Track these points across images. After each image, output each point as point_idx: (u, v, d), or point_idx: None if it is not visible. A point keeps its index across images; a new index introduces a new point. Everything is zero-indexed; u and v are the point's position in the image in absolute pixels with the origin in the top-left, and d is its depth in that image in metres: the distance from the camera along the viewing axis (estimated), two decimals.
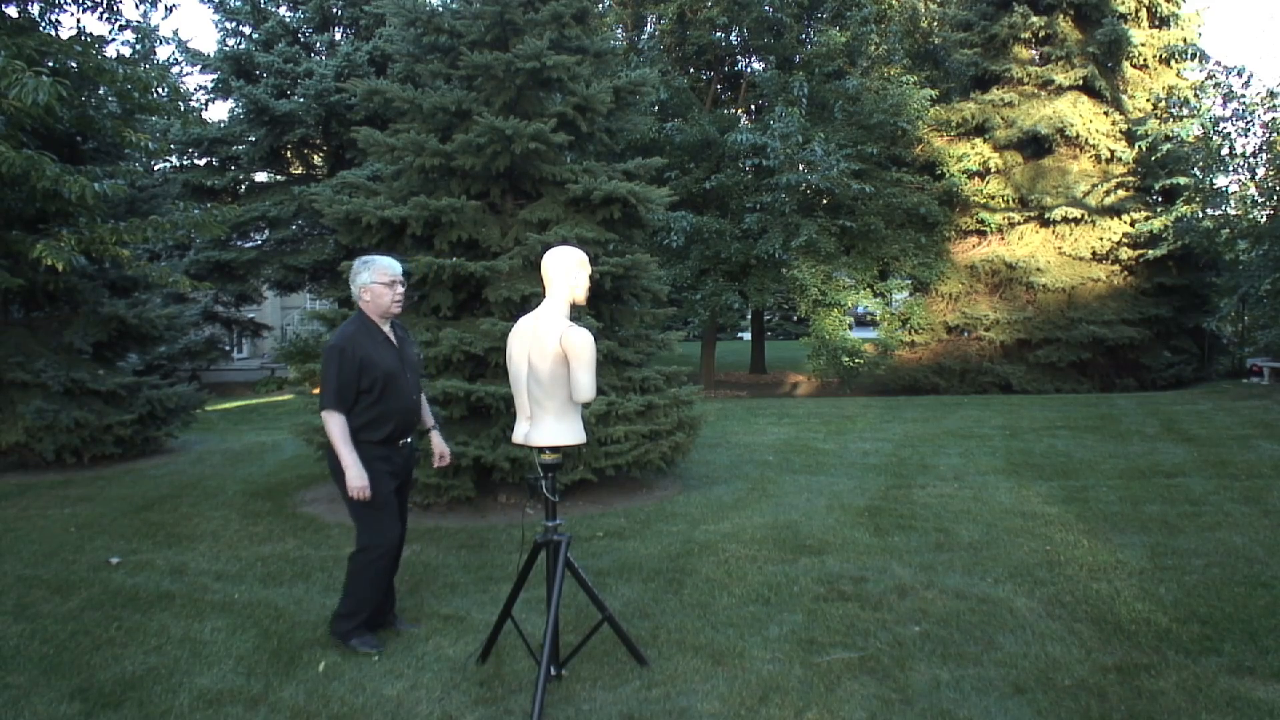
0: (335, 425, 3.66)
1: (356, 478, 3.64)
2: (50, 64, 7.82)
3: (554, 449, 3.37)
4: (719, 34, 18.60)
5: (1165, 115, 16.95)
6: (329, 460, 3.81)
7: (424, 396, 4.12)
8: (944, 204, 17.76)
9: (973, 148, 17.97)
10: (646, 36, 19.46)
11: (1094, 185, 17.12)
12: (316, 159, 19.68)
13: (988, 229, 17.98)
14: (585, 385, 3.26)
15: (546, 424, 3.34)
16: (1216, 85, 14.87)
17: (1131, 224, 16.76)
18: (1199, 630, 3.87)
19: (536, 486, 3.41)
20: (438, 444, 4.11)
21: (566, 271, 3.37)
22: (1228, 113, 14.80)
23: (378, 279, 3.74)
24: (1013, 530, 5.63)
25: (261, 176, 19.47)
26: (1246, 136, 14.88)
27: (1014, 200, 17.81)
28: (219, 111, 73.00)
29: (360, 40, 18.02)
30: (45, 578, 4.99)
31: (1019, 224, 17.74)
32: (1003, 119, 17.70)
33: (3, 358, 8.25)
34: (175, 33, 27.51)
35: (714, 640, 3.87)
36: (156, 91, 9.06)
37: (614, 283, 6.83)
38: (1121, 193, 17.02)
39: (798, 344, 25.93)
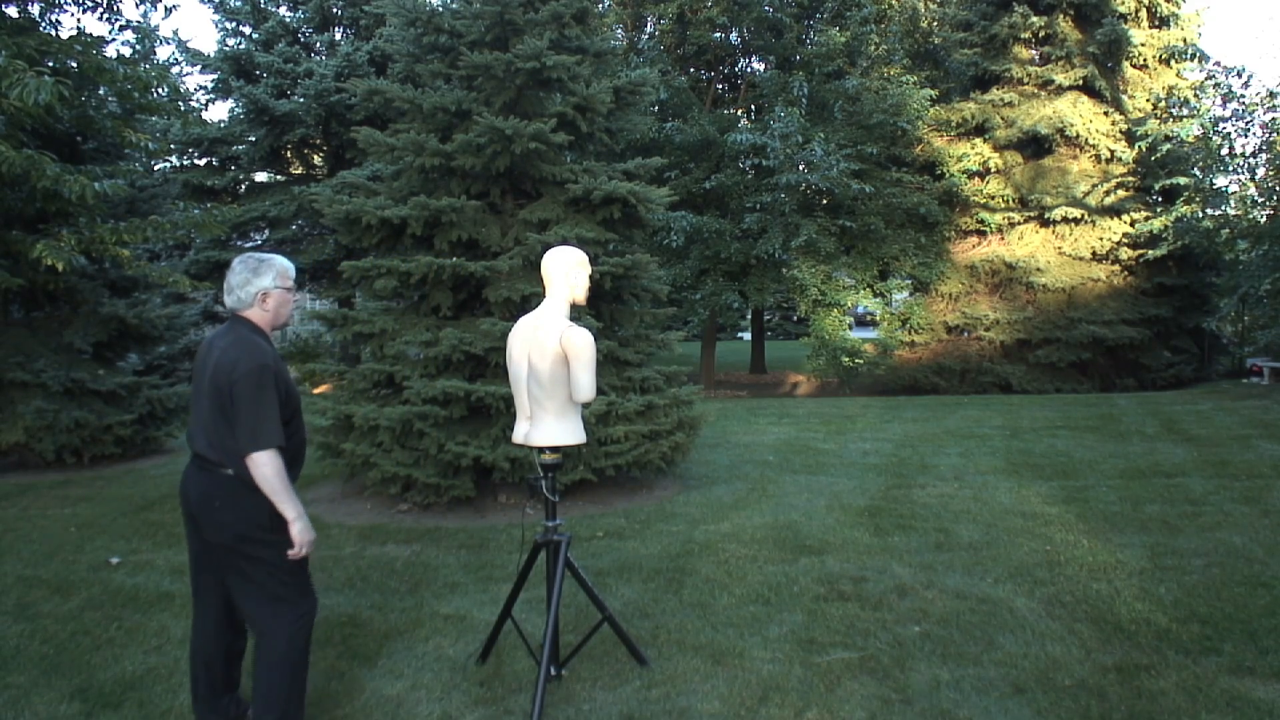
0: (277, 468, 2.84)
1: (306, 531, 2.91)
2: (50, 64, 7.82)
3: (554, 449, 3.37)
4: (719, 34, 18.60)
5: (1165, 115, 16.96)
6: (232, 514, 2.87)
7: None
8: (944, 204, 17.77)
9: (973, 148, 17.98)
10: (646, 36, 19.46)
11: (1094, 185, 17.12)
12: (316, 159, 19.67)
13: (988, 229, 17.99)
14: (585, 385, 3.26)
15: (546, 424, 3.34)
16: (1216, 85, 14.88)
17: (1131, 224, 16.77)
18: (1199, 630, 3.87)
19: (536, 486, 3.41)
20: None
21: (566, 271, 3.37)
22: (1228, 113, 14.81)
23: (282, 283, 3.02)
24: (1013, 530, 5.63)
25: (261, 176, 19.45)
26: (1246, 137, 14.90)
27: (1014, 200, 17.82)
28: (219, 111, 73.06)
29: (360, 40, 18.01)
30: (45, 578, 4.99)
31: (1019, 224, 17.75)
32: (1003, 119, 17.71)
33: (3, 358, 8.24)
34: (175, 33, 27.51)
35: (714, 640, 3.87)
36: (156, 91, 9.05)
37: (614, 283, 6.83)
38: (1121, 193, 17.03)
39: (798, 344, 25.94)
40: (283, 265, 3.05)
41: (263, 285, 2.99)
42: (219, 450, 2.87)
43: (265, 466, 2.82)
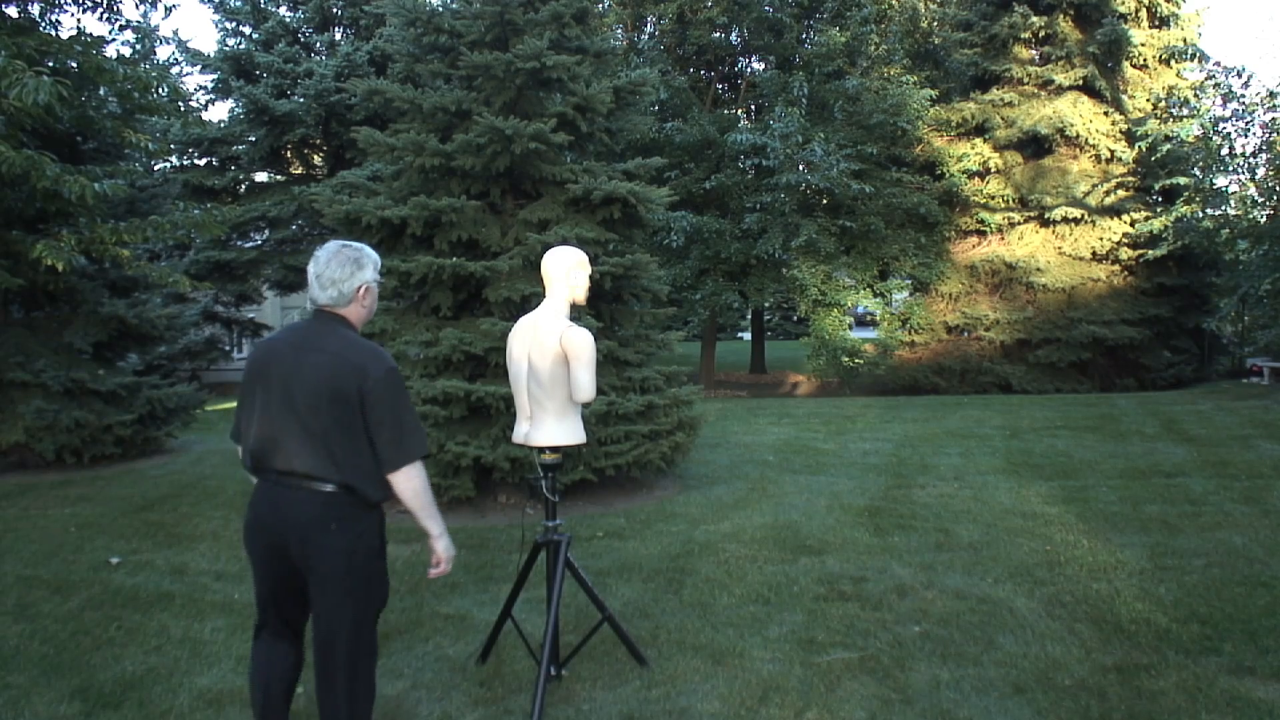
0: (425, 479, 2.63)
1: (450, 546, 2.72)
2: (50, 64, 7.81)
3: (554, 449, 3.37)
4: (719, 34, 18.62)
5: (1165, 115, 16.96)
6: (348, 537, 2.56)
7: None
8: (944, 204, 17.78)
9: (973, 148, 17.98)
10: (646, 36, 19.47)
11: (1094, 185, 17.12)
12: (316, 159, 19.67)
13: (988, 229, 17.99)
14: (585, 385, 3.26)
15: (547, 424, 3.34)
16: (1216, 85, 14.88)
17: (1131, 224, 16.77)
18: (1199, 630, 3.87)
19: (536, 486, 3.41)
20: None
21: (566, 271, 3.37)
22: (1228, 113, 14.81)
23: (377, 276, 2.75)
24: (1013, 530, 5.63)
25: (261, 176, 19.46)
26: (1246, 136, 14.90)
27: (1014, 200, 17.82)
28: (219, 111, 72.96)
29: (360, 40, 18.02)
30: (45, 578, 4.99)
31: (1019, 224, 17.75)
32: (1003, 119, 17.71)
33: (3, 358, 8.24)
34: (175, 33, 27.56)
35: (714, 640, 3.87)
36: (156, 91, 9.05)
37: (614, 283, 6.83)
38: (1121, 193, 17.03)
39: (798, 344, 25.93)
40: (376, 256, 2.78)
41: (365, 279, 2.69)
42: (342, 467, 2.53)
43: (416, 479, 2.59)
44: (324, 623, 2.60)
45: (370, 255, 2.73)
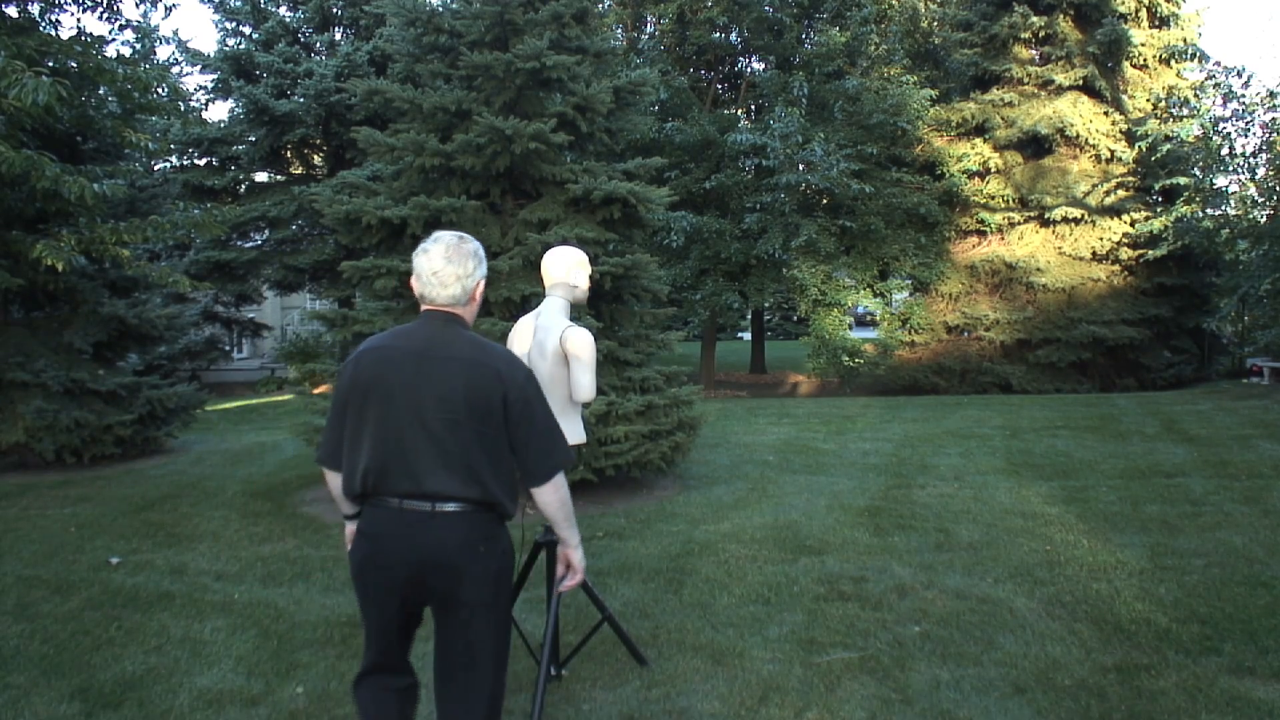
0: (568, 488, 2.48)
1: (584, 558, 2.60)
2: (50, 64, 7.82)
3: None
4: (719, 34, 18.60)
5: (1165, 115, 16.95)
6: (497, 559, 2.38)
7: None
8: (944, 204, 17.76)
9: (973, 148, 17.97)
10: (646, 36, 19.47)
11: (1094, 185, 17.12)
12: (316, 159, 19.69)
13: (988, 229, 17.98)
14: (586, 385, 3.26)
15: None
16: (1216, 85, 14.87)
17: (1131, 224, 16.77)
18: (1199, 630, 3.87)
19: None
20: None
21: (566, 271, 3.37)
22: (1228, 113, 14.80)
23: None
24: (1013, 530, 5.63)
25: (261, 176, 19.49)
26: (1246, 136, 14.89)
27: (1014, 200, 17.81)
28: (219, 111, 73.04)
29: (360, 40, 18.03)
30: (45, 578, 4.99)
31: (1019, 224, 17.74)
32: (1003, 119, 17.71)
33: (3, 358, 8.25)
34: (175, 33, 27.55)
35: (714, 640, 3.87)
36: (156, 91, 9.07)
37: (614, 283, 6.83)
38: (1121, 193, 17.03)
39: (798, 344, 25.92)
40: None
41: (484, 274, 2.45)
42: (485, 483, 2.30)
43: (564, 489, 2.42)
44: (465, 645, 2.39)
45: (481, 248, 2.49)
